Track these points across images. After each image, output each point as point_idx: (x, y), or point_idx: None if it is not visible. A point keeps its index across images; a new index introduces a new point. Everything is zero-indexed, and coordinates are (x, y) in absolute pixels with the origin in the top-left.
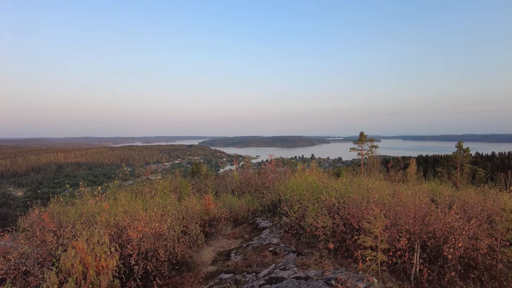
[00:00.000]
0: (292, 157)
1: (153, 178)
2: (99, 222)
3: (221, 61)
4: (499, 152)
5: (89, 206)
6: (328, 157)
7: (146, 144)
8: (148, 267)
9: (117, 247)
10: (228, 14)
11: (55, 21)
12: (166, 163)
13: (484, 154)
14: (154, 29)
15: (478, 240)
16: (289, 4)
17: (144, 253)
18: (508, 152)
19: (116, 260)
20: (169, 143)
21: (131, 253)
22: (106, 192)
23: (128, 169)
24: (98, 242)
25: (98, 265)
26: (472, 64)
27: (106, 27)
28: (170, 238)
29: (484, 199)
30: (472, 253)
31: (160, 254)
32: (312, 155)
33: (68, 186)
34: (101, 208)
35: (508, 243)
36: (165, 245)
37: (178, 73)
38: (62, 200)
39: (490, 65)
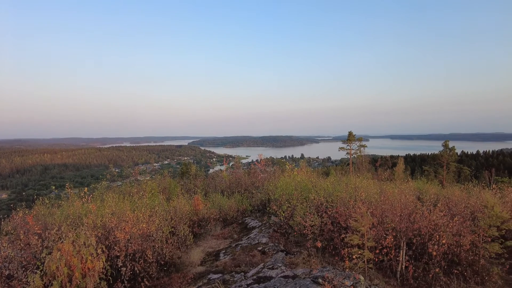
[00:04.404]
0: (282, 157)
1: (141, 179)
2: (86, 224)
3: (210, 61)
4: (484, 151)
5: (75, 207)
6: (318, 156)
7: (134, 145)
8: (136, 269)
9: (104, 249)
10: (216, 14)
11: (52, 21)
12: (155, 164)
13: (469, 153)
14: (143, 30)
15: (461, 237)
16: (278, 4)
17: (131, 254)
18: (492, 151)
19: (103, 261)
20: (158, 144)
21: (118, 254)
22: (94, 193)
23: (116, 170)
24: (85, 244)
25: (84, 267)
26: (457, 65)
27: (98, 27)
28: (158, 239)
29: (468, 197)
30: (455, 249)
31: (148, 255)
32: (302, 154)
33: (54, 187)
34: (88, 210)
35: (489, 239)
36: (153, 246)
37: (167, 73)
38: (47, 202)
39: (475, 66)
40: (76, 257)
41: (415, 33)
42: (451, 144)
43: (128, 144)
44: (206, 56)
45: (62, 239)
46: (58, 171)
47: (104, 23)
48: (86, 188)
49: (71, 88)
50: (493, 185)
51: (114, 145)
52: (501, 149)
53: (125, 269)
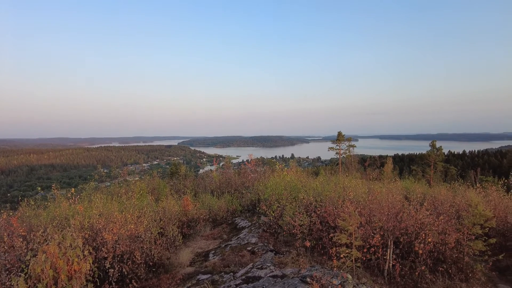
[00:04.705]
0: (272, 157)
1: (130, 180)
2: (72, 225)
3: (200, 61)
4: (470, 151)
5: (62, 208)
6: (308, 156)
7: (123, 145)
8: (124, 270)
9: (91, 250)
10: (209, 14)
11: (47, 20)
12: (144, 164)
13: (456, 153)
14: (133, 29)
15: (446, 235)
16: (271, 4)
17: (119, 256)
18: (478, 151)
19: (89, 263)
20: (147, 144)
21: (106, 256)
22: (81, 194)
23: (105, 171)
24: (71, 246)
25: (71, 269)
26: (446, 66)
27: (92, 26)
28: (147, 240)
29: (453, 196)
30: (441, 248)
31: (137, 256)
32: (292, 154)
33: (39, 188)
34: (75, 211)
35: (473, 237)
36: (141, 247)
37: (157, 73)
38: (33, 203)
39: (463, 68)
40: (62, 259)
41: (407, 35)
42: (438, 144)
43: (117, 144)
44: (197, 56)
45: (48, 241)
46: (45, 172)
47: (94, 21)
48: (73, 189)
49: (59, 87)
50: (478, 184)
51: (102, 145)
52: (486, 149)
53: (113, 270)
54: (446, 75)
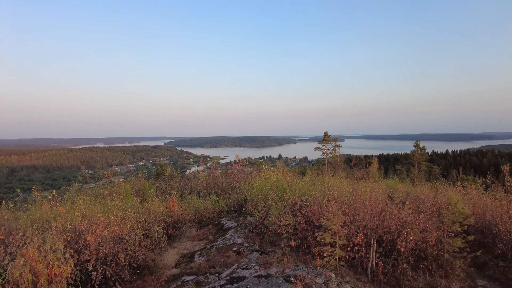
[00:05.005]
0: (260, 157)
1: (115, 181)
2: (54, 228)
3: (187, 61)
4: (452, 150)
5: (43, 211)
6: (295, 156)
7: (108, 145)
8: (107, 272)
9: (73, 253)
10: (198, 13)
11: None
12: (129, 165)
13: (439, 152)
14: (123, 28)
15: (427, 233)
16: (264, 4)
17: (103, 258)
18: (460, 150)
19: (71, 266)
20: (133, 144)
21: (89, 258)
22: (64, 196)
23: (90, 172)
24: (51, 249)
25: (51, 273)
26: (429, 69)
27: (77, 25)
28: (131, 242)
29: (435, 195)
30: (422, 245)
31: (120, 258)
32: (280, 155)
33: (19, 190)
34: (57, 213)
35: (453, 234)
36: (125, 249)
37: (143, 73)
38: (12, 206)
39: (445, 70)
40: (41, 263)
41: (396, 35)
42: (422, 144)
43: (102, 145)
44: (186, 55)
45: (27, 245)
46: (27, 173)
47: (76, 19)
48: (54, 191)
49: (41, 86)
50: (458, 183)
51: (87, 146)
52: (468, 149)
53: (95, 273)
54: (430, 77)
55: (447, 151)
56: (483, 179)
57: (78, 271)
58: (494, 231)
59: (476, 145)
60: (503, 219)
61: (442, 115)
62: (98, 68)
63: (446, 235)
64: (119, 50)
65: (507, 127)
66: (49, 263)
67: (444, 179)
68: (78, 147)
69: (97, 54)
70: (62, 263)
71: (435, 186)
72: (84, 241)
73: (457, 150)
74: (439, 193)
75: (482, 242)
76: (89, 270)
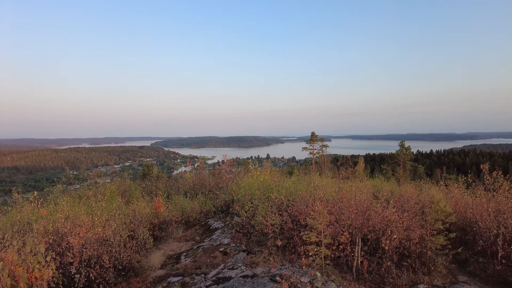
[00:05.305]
0: (248, 157)
1: (100, 182)
2: (35, 230)
3: (174, 60)
4: (436, 150)
5: (24, 213)
6: (283, 156)
7: (94, 146)
8: (91, 275)
9: (55, 256)
10: (190, 13)
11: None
12: (115, 166)
13: (424, 152)
14: (109, 26)
15: (411, 231)
16: (250, 4)
17: (86, 260)
18: (444, 150)
19: (52, 269)
20: (119, 144)
21: (72, 261)
22: (47, 197)
23: (74, 173)
24: (32, 252)
25: (31, 277)
26: (414, 69)
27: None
28: (116, 243)
29: (419, 193)
30: (406, 243)
31: (105, 260)
32: (268, 155)
33: None
34: (39, 215)
35: (435, 232)
36: (110, 250)
37: (129, 72)
38: None
39: (429, 71)
40: (21, 266)
41: (382, 36)
42: (407, 144)
43: (87, 145)
44: (173, 55)
45: (6, 248)
46: (8, 175)
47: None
48: (35, 192)
49: (22, 86)
50: (442, 182)
51: (72, 146)
52: (451, 148)
53: (79, 276)
54: (416, 78)
55: (431, 150)
56: (465, 178)
57: (60, 274)
58: (474, 228)
59: (459, 144)
60: (483, 216)
61: (427, 116)
62: (84, 67)
63: (429, 233)
64: (104, 49)
65: (488, 127)
66: (29, 266)
67: (429, 178)
68: (62, 147)
69: (80, 53)
70: (43, 267)
71: (419, 185)
72: (67, 243)
73: (441, 150)
74: (423, 192)
75: (463, 239)
76: (72, 273)
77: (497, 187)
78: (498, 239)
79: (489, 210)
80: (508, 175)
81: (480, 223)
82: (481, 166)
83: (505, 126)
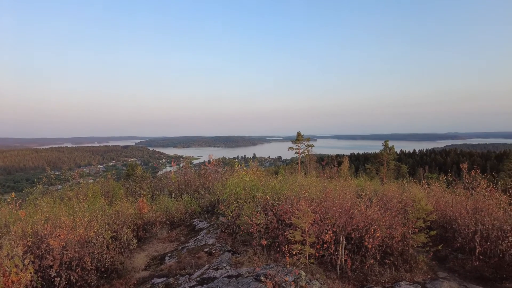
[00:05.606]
0: (234, 157)
1: (83, 182)
2: (13, 233)
3: (158, 58)
4: (419, 150)
5: (1, 215)
6: (269, 156)
7: (77, 146)
8: (72, 278)
9: (33, 259)
10: (175, 10)
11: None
12: (99, 166)
13: (407, 152)
14: (86, 25)
15: (393, 229)
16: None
17: (67, 263)
18: (426, 150)
19: (30, 273)
20: (102, 144)
21: (52, 263)
22: (27, 198)
23: (56, 173)
24: (8, 255)
25: (8, 281)
26: (396, 70)
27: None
28: (99, 245)
29: (401, 192)
30: (388, 241)
31: (87, 262)
32: (254, 154)
33: None
34: (17, 217)
35: (417, 230)
36: (92, 252)
37: (111, 71)
38: None
39: (412, 72)
40: None
41: (366, 37)
42: (390, 143)
43: (69, 145)
44: (157, 54)
45: None
46: None
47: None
48: (13, 193)
49: (3, 84)
50: (423, 181)
51: (53, 146)
52: (433, 148)
53: (59, 279)
54: (398, 79)
55: (414, 150)
56: (446, 177)
57: (39, 278)
58: (454, 226)
59: (441, 144)
60: (462, 214)
61: (411, 116)
62: (66, 65)
63: (411, 231)
64: (85, 48)
65: (469, 127)
66: (5, 270)
67: (411, 177)
68: (44, 147)
69: (60, 50)
70: (20, 270)
71: (402, 184)
72: (46, 246)
73: (423, 150)
74: (405, 191)
75: (444, 236)
76: (52, 276)
77: (475, 186)
78: (476, 236)
79: (468, 208)
80: (485, 174)
81: (459, 221)
82: (461, 166)
83: (483, 126)
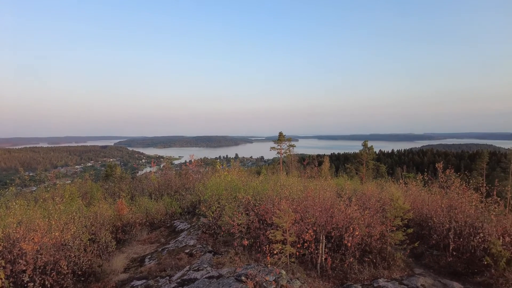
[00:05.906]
0: (216, 157)
1: (59, 183)
2: None
3: (139, 56)
4: (397, 150)
5: None
6: (252, 156)
7: (53, 145)
8: (46, 282)
9: (4, 264)
10: (164, 8)
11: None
12: (76, 166)
13: (385, 152)
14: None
15: (372, 228)
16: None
17: (42, 267)
18: (404, 150)
19: (1, 278)
20: (80, 144)
21: (25, 268)
22: None
23: (30, 174)
24: None
25: None
26: (377, 71)
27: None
28: (75, 248)
29: (380, 191)
30: (367, 240)
31: (62, 266)
32: (236, 154)
33: None
34: None
35: (395, 228)
36: (68, 255)
37: (90, 69)
38: None
39: (392, 73)
40: None
41: (346, 39)
42: (370, 144)
43: (45, 145)
44: (138, 51)
45: None
46: None
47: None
48: None
49: None
50: (401, 180)
51: (28, 146)
52: (411, 148)
53: (32, 284)
54: (378, 80)
55: (392, 150)
56: (422, 176)
57: (11, 283)
58: (430, 224)
59: (418, 144)
60: (437, 212)
61: (390, 117)
62: (41, 62)
63: (389, 229)
64: (64, 46)
65: (444, 128)
66: None
67: (390, 177)
68: (17, 147)
69: (37, 46)
70: None
71: (380, 183)
72: (19, 250)
73: (401, 150)
74: (383, 190)
75: (420, 234)
76: (25, 281)
77: (449, 185)
78: (450, 233)
79: (443, 206)
80: (459, 173)
81: (434, 218)
82: (437, 165)
83: (458, 127)
